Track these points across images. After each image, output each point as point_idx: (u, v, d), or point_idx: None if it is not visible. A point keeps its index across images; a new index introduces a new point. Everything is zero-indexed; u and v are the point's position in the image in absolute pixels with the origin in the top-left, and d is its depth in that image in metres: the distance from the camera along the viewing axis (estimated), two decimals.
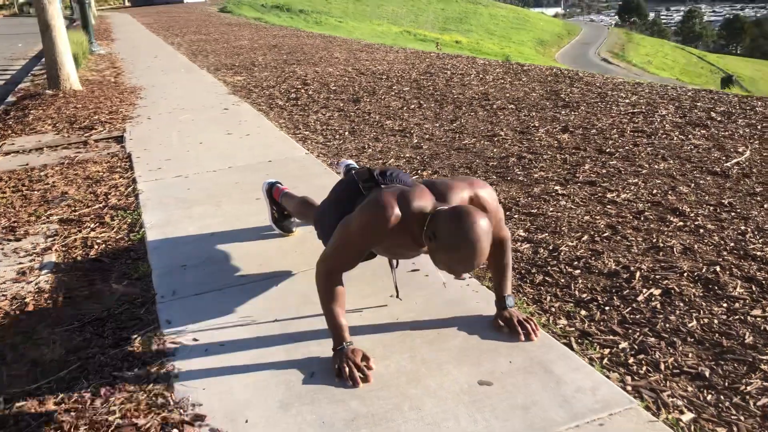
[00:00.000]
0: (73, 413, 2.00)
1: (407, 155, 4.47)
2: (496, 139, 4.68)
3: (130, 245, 3.24)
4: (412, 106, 5.96)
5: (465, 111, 5.62)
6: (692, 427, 1.79)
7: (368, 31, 30.44)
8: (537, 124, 4.97)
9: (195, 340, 2.38)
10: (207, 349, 2.33)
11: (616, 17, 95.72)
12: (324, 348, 2.25)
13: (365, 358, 2.15)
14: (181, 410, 1.97)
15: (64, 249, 3.23)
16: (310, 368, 2.17)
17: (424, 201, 2.05)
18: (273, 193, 3.23)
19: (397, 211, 2.02)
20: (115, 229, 3.43)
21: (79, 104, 6.79)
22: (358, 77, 7.59)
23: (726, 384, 1.95)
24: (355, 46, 11.63)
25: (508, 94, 6.15)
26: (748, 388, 1.92)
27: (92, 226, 3.49)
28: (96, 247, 3.23)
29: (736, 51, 78.75)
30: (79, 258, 3.12)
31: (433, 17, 47.25)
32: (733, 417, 1.81)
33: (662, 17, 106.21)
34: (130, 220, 3.55)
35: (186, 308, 2.63)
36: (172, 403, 2.01)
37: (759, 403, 1.85)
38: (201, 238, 3.31)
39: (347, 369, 2.09)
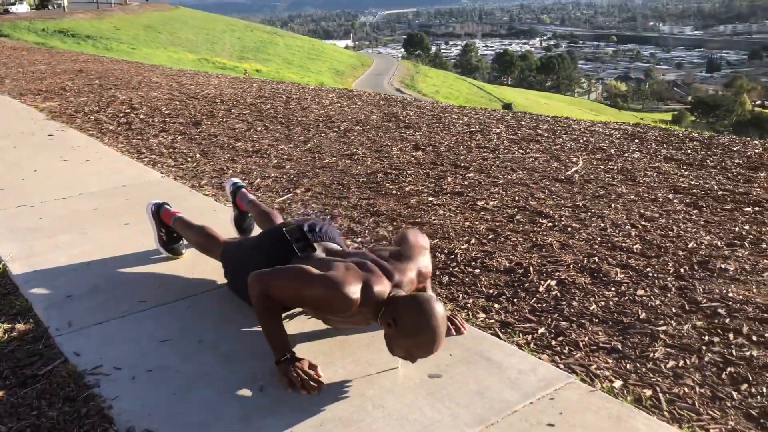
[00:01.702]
0: None
1: (272, 175, 4.46)
2: (355, 157, 4.83)
3: None
4: (259, 128, 5.93)
5: (315, 132, 5.72)
6: (624, 392, 2.03)
7: (164, 58, 29.36)
8: (389, 143, 5.22)
9: (116, 368, 2.22)
10: (134, 376, 2.18)
11: (402, 50, 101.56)
12: (264, 362, 2.22)
13: (312, 366, 2.16)
14: None
15: None
16: (256, 382, 2.13)
17: (383, 286, 2.10)
18: (161, 214, 3.08)
19: (358, 297, 2.05)
20: None
21: None
22: (190, 101, 7.38)
23: (637, 354, 2.24)
24: (168, 71, 11.24)
25: (350, 117, 6.35)
26: (656, 354, 2.22)
27: None
28: None
29: (507, 81, 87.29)
30: None
31: (230, 46, 46.77)
32: (652, 380, 2.09)
33: (443, 51, 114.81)
34: None
35: (91, 338, 2.44)
36: None
37: (668, 366, 2.16)
38: (78, 267, 3.06)
39: (298, 378, 2.09)
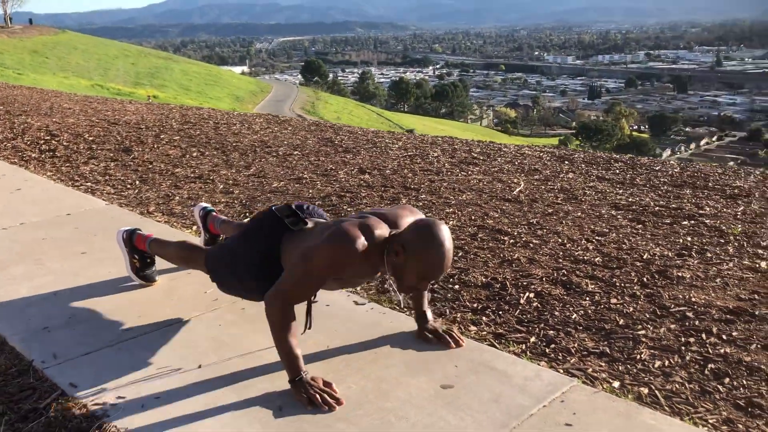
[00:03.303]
0: None
1: (222, 200, 4.42)
2: (303, 181, 4.86)
3: None
4: (194, 154, 5.84)
5: (254, 157, 5.70)
6: (624, 391, 2.19)
7: (55, 83, 28.07)
8: (333, 167, 5.28)
9: (120, 398, 2.16)
10: (143, 404, 2.13)
11: (300, 77, 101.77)
12: (274, 383, 2.23)
13: (327, 383, 2.18)
14: None
15: None
16: (273, 403, 2.13)
17: (382, 229, 2.18)
18: (135, 241, 3.01)
19: (363, 240, 2.11)
20: None
21: None
22: (112, 127, 7.15)
23: (625, 356, 2.41)
24: (76, 98, 10.81)
25: (285, 142, 6.37)
26: (642, 356, 2.40)
27: None
28: None
29: (404, 108, 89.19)
30: None
31: (124, 72, 45.31)
32: (645, 379, 2.26)
33: (340, 78, 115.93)
34: None
35: (83, 369, 2.35)
36: None
37: (656, 366, 2.34)
38: (45, 298, 2.94)
39: (318, 396, 2.11)
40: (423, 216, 2.35)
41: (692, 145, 68.08)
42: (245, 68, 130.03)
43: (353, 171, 5.16)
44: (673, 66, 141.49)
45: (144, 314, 2.77)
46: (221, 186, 4.80)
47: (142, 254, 3.02)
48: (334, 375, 2.27)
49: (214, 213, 3.27)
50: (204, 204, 3.34)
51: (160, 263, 3.08)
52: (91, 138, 6.56)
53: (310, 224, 2.43)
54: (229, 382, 2.26)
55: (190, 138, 6.58)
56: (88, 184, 4.92)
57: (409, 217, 2.29)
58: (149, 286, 3.05)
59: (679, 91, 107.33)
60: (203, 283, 3.03)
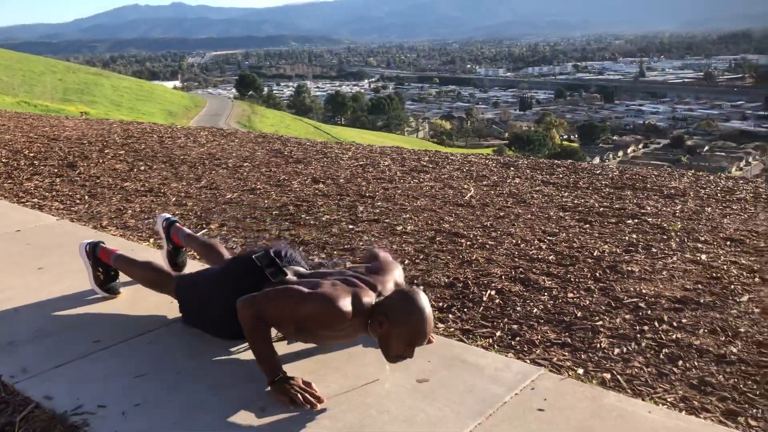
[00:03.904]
0: None
1: (176, 213, 4.40)
2: (258, 192, 4.89)
3: None
4: (142, 168, 5.78)
5: (204, 170, 5.68)
6: (588, 377, 2.33)
7: None
8: (286, 178, 5.32)
9: (100, 407, 2.17)
10: (124, 412, 2.14)
11: (234, 91, 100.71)
12: (254, 386, 2.27)
13: (306, 383, 2.24)
14: None
15: None
16: (255, 405, 2.17)
17: (369, 297, 2.24)
18: (98, 254, 2.98)
19: (350, 309, 2.17)
20: None
21: None
22: (53, 143, 6.98)
23: (586, 346, 2.55)
24: (7, 113, 10.49)
25: (234, 154, 6.36)
26: (602, 344, 2.55)
27: None
28: None
29: (341, 122, 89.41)
30: None
31: (51, 88, 43.89)
32: (607, 365, 2.40)
33: (275, 91, 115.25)
34: None
35: (56, 381, 2.34)
36: None
37: (615, 353, 2.48)
38: (6, 314, 2.89)
39: (299, 395, 2.16)
40: (398, 270, 2.44)
41: (620, 153, 70.59)
42: (177, 83, 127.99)
43: (307, 181, 5.22)
44: (600, 77, 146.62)
45: (113, 325, 2.76)
46: (173, 199, 4.78)
47: (106, 267, 3.00)
48: (312, 375, 2.32)
49: (178, 224, 3.28)
50: (166, 215, 3.34)
51: (124, 275, 3.07)
52: (32, 154, 6.40)
53: (289, 274, 2.49)
54: (208, 386, 2.29)
55: (136, 152, 6.49)
56: (35, 200, 4.82)
57: (390, 282, 2.37)
58: (114, 299, 3.03)
59: (605, 101, 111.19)
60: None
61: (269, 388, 2.21)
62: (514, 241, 3.70)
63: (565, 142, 73.87)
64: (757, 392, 2.21)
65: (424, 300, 2.15)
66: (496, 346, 2.56)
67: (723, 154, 65.36)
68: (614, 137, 79.53)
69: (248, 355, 2.44)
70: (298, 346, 2.52)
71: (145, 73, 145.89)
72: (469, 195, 4.70)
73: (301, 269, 2.57)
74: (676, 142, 72.90)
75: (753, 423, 2.06)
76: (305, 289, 2.24)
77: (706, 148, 70.19)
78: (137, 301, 3.00)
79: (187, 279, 2.76)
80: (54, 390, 2.27)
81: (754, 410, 2.12)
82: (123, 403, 2.19)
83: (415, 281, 3.16)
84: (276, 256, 2.54)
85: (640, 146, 75.72)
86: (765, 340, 2.52)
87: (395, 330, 2.15)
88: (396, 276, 2.44)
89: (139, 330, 2.71)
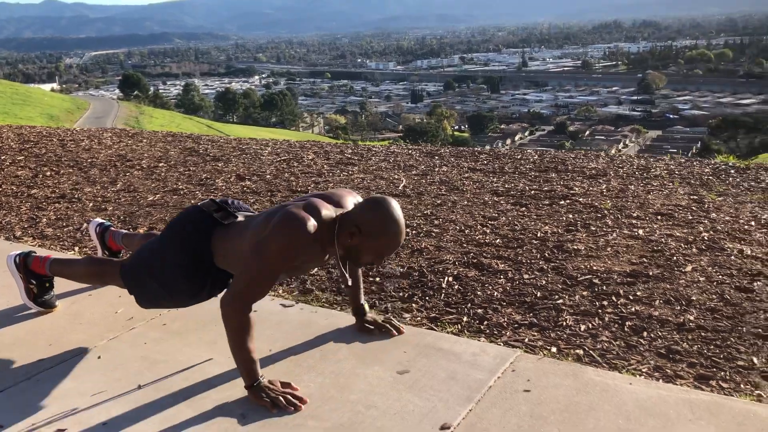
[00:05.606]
0: None
1: (100, 217, 4.13)
2: (181, 192, 4.66)
3: None
4: (48, 174, 5.39)
5: (117, 172, 5.36)
6: (562, 354, 2.36)
7: None
8: (208, 176, 5.11)
9: (60, 430, 1.98)
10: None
11: (118, 91, 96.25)
12: (228, 392, 2.16)
13: (285, 384, 2.15)
14: None
15: None
16: (234, 412, 2.06)
17: (329, 209, 2.13)
18: (31, 265, 2.74)
19: (313, 221, 2.05)
20: None
21: None
22: None
23: (553, 324, 2.59)
24: None
25: (146, 154, 6.05)
26: (567, 322, 2.59)
27: None
28: None
29: (232, 119, 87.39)
30: None
31: None
32: (577, 342, 2.45)
33: (162, 90, 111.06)
34: None
35: (4, 407, 2.13)
36: None
37: (582, 329, 2.54)
38: None
39: (281, 398, 2.07)
40: (360, 197, 2.30)
41: (508, 141, 73.03)
42: (55, 85, 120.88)
43: (231, 178, 5.03)
44: (486, 68, 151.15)
45: (55, 342, 2.54)
46: (90, 204, 4.48)
47: (40, 279, 2.76)
48: (288, 376, 2.23)
49: (113, 228, 3.07)
50: (99, 219, 3.12)
51: (58, 287, 2.84)
52: None
53: (240, 217, 2.35)
54: (180, 398, 2.15)
55: (37, 157, 6.05)
56: None
57: (350, 197, 2.26)
58: (49, 313, 2.79)
59: (492, 91, 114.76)
60: (111, 303, 2.85)
61: (247, 394, 2.10)
62: (457, 227, 3.72)
63: (456, 133, 75.57)
64: (721, 356, 2.32)
65: (397, 208, 2.07)
66: (466, 331, 2.56)
67: (603, 137, 68.97)
68: (502, 126, 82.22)
69: (213, 363, 2.32)
70: (263, 351, 2.40)
71: (19, 76, 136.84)
72: (402, 185, 4.69)
73: (249, 214, 2.43)
74: (560, 128, 76.33)
75: (724, 385, 2.15)
76: (261, 236, 2.08)
77: (587, 132, 73.90)
78: (78, 313, 2.79)
79: (130, 258, 2.53)
80: (4, 418, 2.06)
81: (722, 373, 2.21)
82: (88, 423, 2.02)
83: (370, 273, 3.10)
84: (223, 203, 2.40)
85: (527, 133, 78.69)
86: (716, 307, 2.65)
87: (369, 241, 2.06)
88: (354, 194, 2.31)
89: (86, 344, 2.52)
